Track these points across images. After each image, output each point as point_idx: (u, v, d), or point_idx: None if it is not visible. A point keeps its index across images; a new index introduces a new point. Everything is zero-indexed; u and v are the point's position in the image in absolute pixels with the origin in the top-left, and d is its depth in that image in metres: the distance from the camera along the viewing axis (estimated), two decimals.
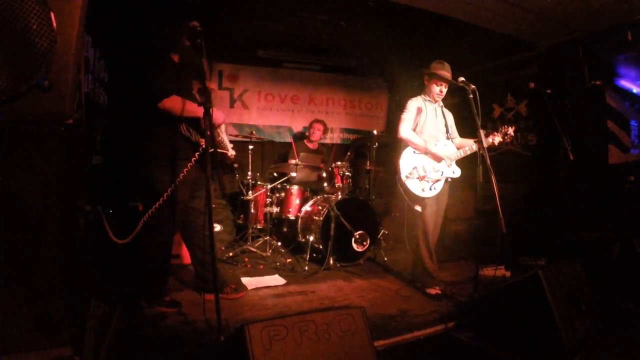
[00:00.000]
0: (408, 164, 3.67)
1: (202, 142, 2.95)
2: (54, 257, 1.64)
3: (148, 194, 2.92)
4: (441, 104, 3.90)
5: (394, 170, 3.76)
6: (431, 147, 3.70)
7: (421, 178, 3.64)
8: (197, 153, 2.92)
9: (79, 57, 1.80)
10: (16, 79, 1.62)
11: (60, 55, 1.71)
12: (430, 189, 3.66)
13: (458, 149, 3.76)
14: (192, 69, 3.14)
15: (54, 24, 1.70)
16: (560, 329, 2.36)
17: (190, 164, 2.91)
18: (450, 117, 3.95)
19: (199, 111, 2.79)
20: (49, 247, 1.63)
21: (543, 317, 2.42)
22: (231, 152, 3.34)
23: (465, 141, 3.87)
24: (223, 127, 3.38)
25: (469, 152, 3.72)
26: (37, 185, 1.61)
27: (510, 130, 3.70)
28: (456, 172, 3.79)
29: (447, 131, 3.85)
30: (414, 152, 3.73)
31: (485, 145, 3.29)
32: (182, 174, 2.87)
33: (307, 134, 6.16)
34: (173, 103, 2.83)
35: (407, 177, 3.63)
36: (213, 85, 3.38)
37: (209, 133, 2.56)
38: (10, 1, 1.63)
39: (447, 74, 3.70)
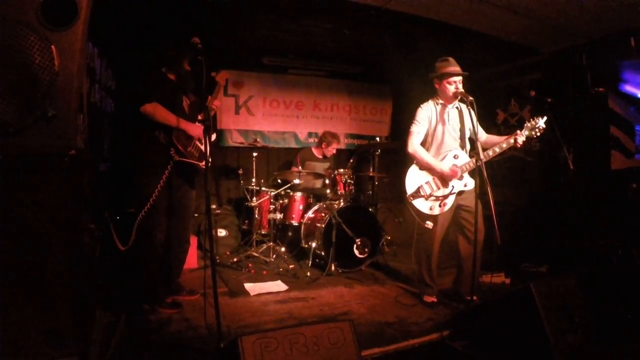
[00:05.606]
0: (413, 182, 3.53)
1: (172, 151, 3.19)
2: (61, 276, 1.77)
3: (138, 199, 3.16)
4: (457, 104, 3.64)
5: (403, 189, 3.59)
6: (436, 164, 3.50)
7: (427, 197, 3.49)
8: (171, 161, 3.18)
9: (81, 88, 1.91)
10: (22, 112, 1.74)
11: (63, 87, 1.82)
12: (440, 206, 3.50)
13: (485, 149, 3.46)
14: (187, 89, 3.41)
15: (56, 58, 1.80)
16: (551, 341, 2.39)
17: (167, 170, 3.15)
18: (468, 117, 3.55)
19: (173, 121, 3.15)
20: (56, 267, 1.76)
21: (534, 329, 2.45)
22: (202, 163, 3.44)
23: (493, 139, 3.63)
24: (213, 136, 3.57)
25: (495, 153, 3.46)
26: (45, 211, 1.73)
27: (541, 122, 3.43)
28: (469, 184, 3.54)
29: (462, 137, 3.62)
30: (419, 169, 3.57)
31: (483, 158, 3.25)
32: (162, 180, 3.12)
33: (322, 146, 5.89)
34: (153, 108, 3.07)
35: (412, 196, 3.50)
36: (217, 103, 3.55)
37: (208, 149, 2.69)
38: (14, 37, 1.73)
39: (456, 68, 3.50)
